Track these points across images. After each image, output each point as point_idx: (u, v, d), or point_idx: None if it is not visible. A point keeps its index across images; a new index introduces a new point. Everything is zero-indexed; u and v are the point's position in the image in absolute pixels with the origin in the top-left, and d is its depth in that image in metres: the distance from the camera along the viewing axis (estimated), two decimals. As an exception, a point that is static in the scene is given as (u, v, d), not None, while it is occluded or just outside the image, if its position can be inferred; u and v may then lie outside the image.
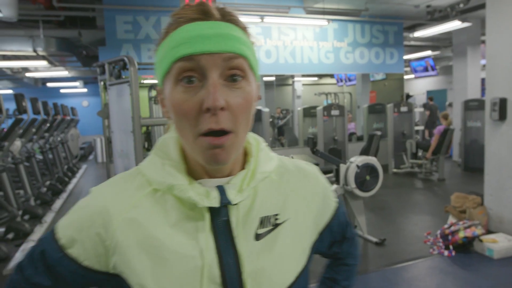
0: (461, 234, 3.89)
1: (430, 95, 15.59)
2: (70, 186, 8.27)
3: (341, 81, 14.38)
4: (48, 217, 5.80)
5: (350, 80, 13.87)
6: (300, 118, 9.25)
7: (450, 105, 10.77)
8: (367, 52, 8.44)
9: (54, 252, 0.67)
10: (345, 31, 8.20)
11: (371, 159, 4.29)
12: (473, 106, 7.95)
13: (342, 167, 4.27)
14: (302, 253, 0.72)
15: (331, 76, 14.67)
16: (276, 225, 0.69)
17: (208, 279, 0.62)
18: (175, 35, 0.61)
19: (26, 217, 5.58)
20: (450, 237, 3.95)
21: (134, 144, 4.61)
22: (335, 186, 4.35)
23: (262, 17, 6.74)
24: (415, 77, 13.86)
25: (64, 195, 7.36)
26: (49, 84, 14.89)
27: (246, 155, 0.72)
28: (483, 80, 6.26)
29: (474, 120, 7.98)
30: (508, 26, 4.16)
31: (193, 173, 0.68)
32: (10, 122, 6.82)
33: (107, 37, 6.65)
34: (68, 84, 15.02)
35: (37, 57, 7.90)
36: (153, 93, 8.75)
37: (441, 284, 3.36)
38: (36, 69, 10.77)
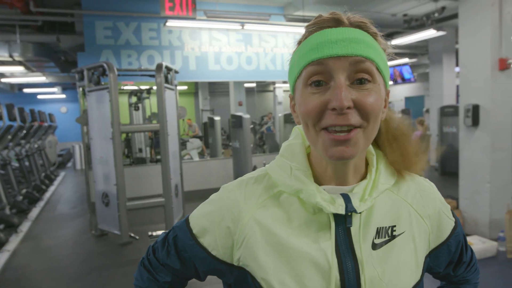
0: (438, 237, 3.99)
1: (408, 101, 15.97)
2: (47, 194, 8.10)
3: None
4: (24, 226, 5.67)
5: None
6: (281, 124, 9.31)
7: (428, 111, 11.03)
8: (347, 59, 8.59)
9: (187, 239, 0.74)
10: (324, 38, 8.32)
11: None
12: (448, 112, 8.17)
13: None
14: (416, 267, 0.72)
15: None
16: (393, 237, 0.70)
17: (334, 283, 0.64)
18: (306, 43, 0.65)
19: (1, 226, 5.44)
20: (427, 240, 4.04)
21: (114, 151, 4.58)
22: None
23: (243, 24, 6.78)
24: (393, 84, 14.16)
25: (41, 203, 7.21)
26: (26, 90, 14.57)
27: (367, 165, 0.73)
28: (458, 86, 6.46)
29: (450, 126, 8.20)
30: (479, 35, 4.32)
31: (318, 179, 0.70)
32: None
33: (86, 42, 6.57)
34: (46, 90, 14.73)
35: (13, 63, 7.73)
36: (133, 99, 8.69)
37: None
38: (12, 75, 10.53)
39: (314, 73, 0.62)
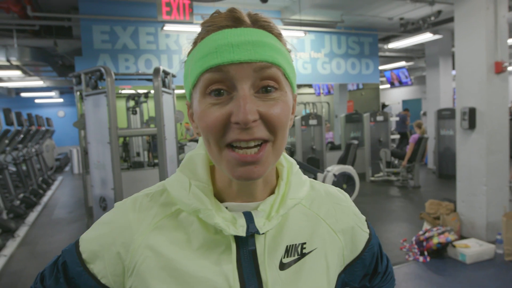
0: (435, 240, 3.99)
1: (406, 104, 16.00)
2: (44, 199, 8.06)
3: (320, 89, 14.58)
4: (21, 231, 5.65)
5: (329, 90, 14.10)
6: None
7: (425, 114, 11.06)
8: (344, 63, 8.62)
9: (75, 265, 0.65)
10: (321, 42, 8.36)
11: (348, 168, 4.38)
12: (445, 115, 8.20)
13: (320, 176, 4.34)
14: (328, 286, 0.67)
15: (310, 86, 14.86)
16: (303, 255, 0.65)
17: None
18: (203, 45, 0.57)
19: (-2, 231, 5.42)
20: (424, 243, 4.04)
21: (111, 155, 4.57)
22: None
23: (240, 28, 6.82)
24: (390, 87, 14.20)
25: (38, 208, 7.18)
26: (23, 94, 14.54)
27: (277, 177, 0.67)
28: (455, 89, 6.48)
29: (447, 129, 8.22)
30: (474, 39, 4.35)
31: (221, 195, 0.64)
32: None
33: (83, 47, 6.58)
34: (43, 94, 14.71)
35: (11, 67, 7.73)
36: (131, 103, 8.68)
37: (417, 289, 3.43)
38: (9, 79, 10.52)
39: (213, 81, 0.55)
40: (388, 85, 13.59)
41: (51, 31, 7.02)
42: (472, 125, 4.38)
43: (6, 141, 6.68)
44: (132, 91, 8.60)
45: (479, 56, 4.31)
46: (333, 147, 9.28)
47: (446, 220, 4.43)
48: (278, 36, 0.60)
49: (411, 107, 14.57)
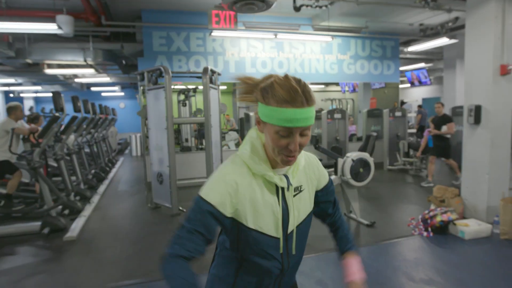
0: (438, 218, 4.14)
1: (425, 102, 15.64)
2: (110, 175, 8.73)
3: (345, 87, 14.55)
4: (95, 199, 6.24)
5: (354, 88, 14.05)
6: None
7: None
8: (367, 64, 8.67)
9: (211, 208, 1.02)
10: (347, 45, 8.44)
11: (365, 155, 4.56)
12: (459, 112, 8.07)
13: (340, 161, 4.56)
14: (310, 202, 1.21)
15: (337, 84, 14.85)
16: (301, 190, 1.16)
17: (279, 221, 1.11)
18: (281, 111, 0.94)
19: (78, 197, 6.02)
20: (429, 221, 4.20)
21: (168, 139, 5.00)
22: (333, 176, 4.64)
23: (275, 33, 7.04)
24: (411, 86, 13.95)
25: (106, 182, 7.81)
26: (93, 88, 15.48)
27: None
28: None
29: (460, 124, 8.10)
30: (483, 44, 4.39)
31: (270, 162, 1.08)
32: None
33: (145, 49, 7.06)
34: (108, 89, 15.59)
35: (86, 66, 8.36)
36: (181, 97, 9.15)
37: (420, 258, 3.62)
38: (83, 76, 11.29)
39: (284, 131, 0.96)
40: (408, 85, 13.38)
41: (119, 36, 7.54)
42: (477, 120, 4.44)
43: (84, 126, 7.29)
44: (183, 87, 9.06)
45: (487, 59, 4.36)
46: (355, 138, 9.38)
47: (450, 202, 4.55)
48: (313, 103, 0.99)
49: (429, 105, 14.25)
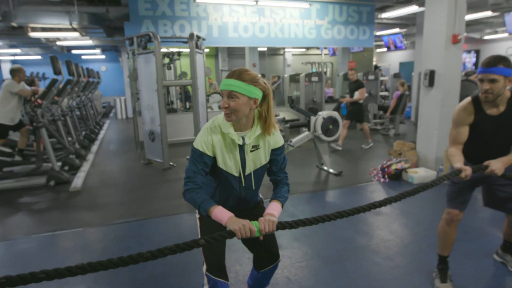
0: (393, 167, 4.94)
1: (402, 66, 16.36)
2: (100, 136, 9.23)
3: (323, 52, 15.04)
4: (90, 157, 6.80)
5: (334, 52, 14.56)
6: (287, 83, 10.11)
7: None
8: (344, 29, 9.19)
9: (200, 152, 1.64)
10: (326, 11, 8.90)
11: (334, 113, 5.25)
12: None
13: (312, 119, 5.24)
14: (266, 156, 1.74)
15: (317, 48, 15.31)
16: (258, 148, 1.70)
17: (239, 166, 1.69)
18: (222, 83, 1.59)
19: (74, 156, 6.55)
20: (386, 169, 5.00)
21: (158, 100, 5.54)
22: (307, 132, 5.34)
23: (257, 0, 7.44)
24: (387, 51, 14.57)
25: (97, 143, 8.33)
26: (73, 51, 15.43)
27: (253, 122, 1.68)
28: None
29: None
30: (438, 13, 5.00)
31: (234, 128, 1.65)
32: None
33: (130, 14, 7.35)
34: (88, 51, 15.55)
35: (70, 29, 8.56)
36: (166, 60, 9.52)
37: (375, 197, 4.43)
38: (65, 39, 11.36)
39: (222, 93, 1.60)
40: (384, 49, 13.99)
41: (104, 0, 7.76)
42: (431, 83, 5.15)
43: (69, 89, 7.65)
44: (167, 50, 9.40)
45: (441, 28, 4.98)
46: (331, 100, 10.07)
47: (406, 154, 5.35)
48: (246, 81, 1.56)
49: (406, 69, 15.00)
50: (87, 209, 4.28)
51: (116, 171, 6.06)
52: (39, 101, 5.19)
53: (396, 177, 5.01)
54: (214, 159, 1.67)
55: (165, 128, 5.63)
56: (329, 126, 5.17)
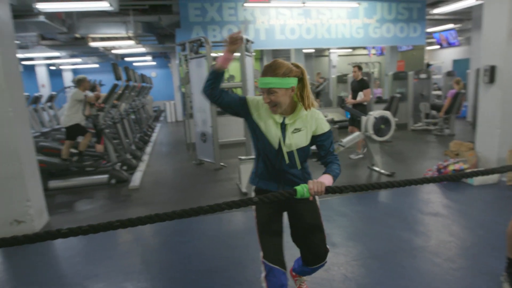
0: (451, 168, 4.75)
1: (455, 64, 15.57)
2: (152, 138, 9.71)
3: (371, 51, 14.69)
4: (145, 157, 7.19)
5: (382, 52, 14.19)
6: (334, 84, 10.02)
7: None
8: (393, 27, 8.96)
9: (244, 99, 1.83)
10: (373, 9, 8.74)
11: (386, 113, 5.15)
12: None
13: (363, 119, 5.18)
14: (307, 139, 1.81)
15: (364, 48, 15.00)
16: (299, 130, 1.79)
17: (278, 139, 1.80)
18: (260, 81, 1.73)
19: (131, 157, 6.97)
20: (442, 170, 4.82)
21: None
22: (358, 133, 5.28)
23: (304, 1, 7.49)
24: (440, 48, 13.94)
25: (150, 144, 8.78)
26: (126, 59, 16.36)
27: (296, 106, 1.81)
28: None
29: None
30: (499, 7, 4.75)
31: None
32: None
33: (181, 20, 7.70)
34: (140, 58, 16.42)
35: (126, 38, 9.12)
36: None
37: (431, 198, 4.28)
38: (120, 47, 12.09)
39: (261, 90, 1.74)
40: (438, 46, 13.41)
41: (157, 9, 8.20)
42: (491, 80, 4.89)
43: (126, 94, 8.14)
44: (215, 54, 9.70)
45: (502, 22, 4.73)
46: (380, 101, 9.83)
47: (464, 155, 5.12)
48: (280, 75, 1.68)
49: (460, 67, 14.25)
50: (145, 206, 4.55)
51: (170, 171, 6.37)
52: (102, 105, 5.60)
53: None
54: (253, 122, 1.82)
55: (216, 129, 5.83)
56: (381, 126, 5.08)
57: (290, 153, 1.79)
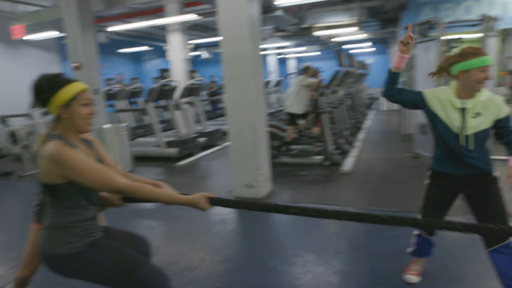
0: None
1: None
2: (365, 125, 9.68)
3: None
4: (357, 144, 7.25)
5: None
6: None
7: None
8: None
9: (423, 94, 2.05)
10: None
11: None
12: None
13: None
14: (488, 122, 1.93)
15: None
16: (479, 115, 1.92)
17: (458, 124, 1.97)
18: (480, 60, 1.85)
19: (344, 141, 7.17)
20: None
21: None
22: None
23: None
24: None
25: (363, 132, 8.78)
26: (344, 46, 16.75)
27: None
28: None
29: None
30: None
31: (457, 95, 1.97)
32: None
33: (408, 2, 7.20)
34: (357, 45, 16.45)
35: (349, 25, 9.29)
36: (443, 48, 8.78)
37: None
38: (341, 34, 12.45)
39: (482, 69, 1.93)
40: None
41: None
42: None
43: (346, 80, 8.33)
44: (451, 37, 8.64)
45: None
46: None
47: None
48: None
49: None
50: (353, 191, 4.62)
51: (381, 160, 6.20)
52: (323, 91, 5.97)
53: None
54: (429, 111, 2.01)
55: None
56: None
57: (469, 137, 1.94)
